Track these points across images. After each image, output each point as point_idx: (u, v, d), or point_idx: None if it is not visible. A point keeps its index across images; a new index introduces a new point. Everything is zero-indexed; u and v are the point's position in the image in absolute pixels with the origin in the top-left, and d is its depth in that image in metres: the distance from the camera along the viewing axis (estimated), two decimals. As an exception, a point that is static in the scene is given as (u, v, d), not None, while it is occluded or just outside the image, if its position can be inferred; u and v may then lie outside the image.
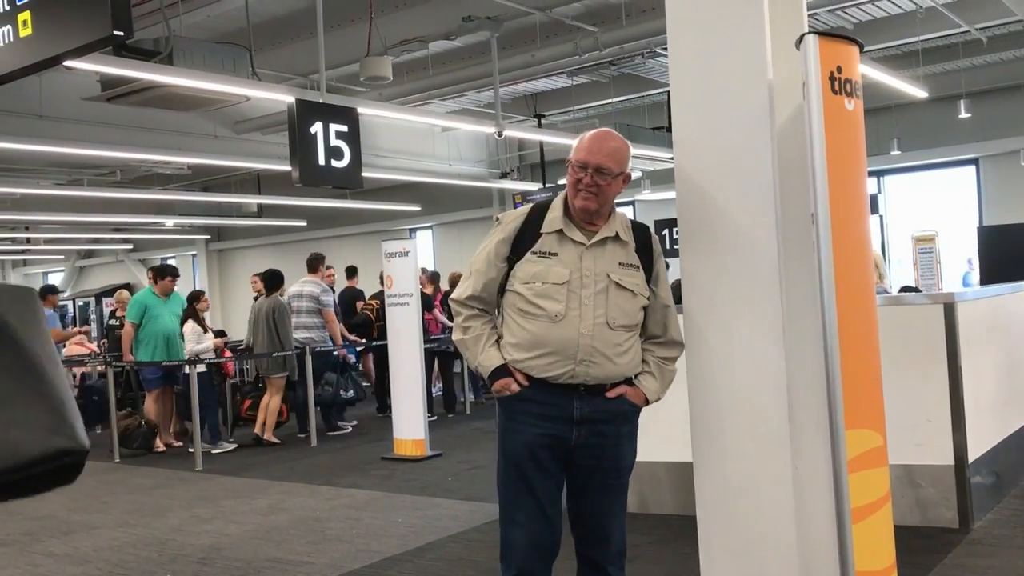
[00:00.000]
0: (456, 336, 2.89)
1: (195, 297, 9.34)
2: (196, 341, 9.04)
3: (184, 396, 9.08)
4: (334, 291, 10.84)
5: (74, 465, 2.04)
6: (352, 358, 10.29)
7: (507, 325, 2.81)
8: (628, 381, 2.77)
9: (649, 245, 2.85)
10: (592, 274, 2.71)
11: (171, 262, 23.02)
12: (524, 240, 2.77)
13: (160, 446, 9.20)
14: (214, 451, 8.92)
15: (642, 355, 2.83)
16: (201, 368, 8.74)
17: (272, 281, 9.35)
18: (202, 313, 9.28)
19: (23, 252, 24.35)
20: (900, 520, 4.63)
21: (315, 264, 9.97)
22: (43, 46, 3.84)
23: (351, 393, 9.81)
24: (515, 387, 2.74)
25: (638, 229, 2.87)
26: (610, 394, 2.73)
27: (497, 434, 2.87)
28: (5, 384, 1.99)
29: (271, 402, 9.37)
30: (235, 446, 9.23)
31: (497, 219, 2.90)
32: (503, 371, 2.77)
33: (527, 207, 2.90)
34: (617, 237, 2.78)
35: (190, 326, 9.08)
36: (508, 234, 2.80)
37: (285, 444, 9.29)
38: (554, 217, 2.78)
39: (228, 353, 10.04)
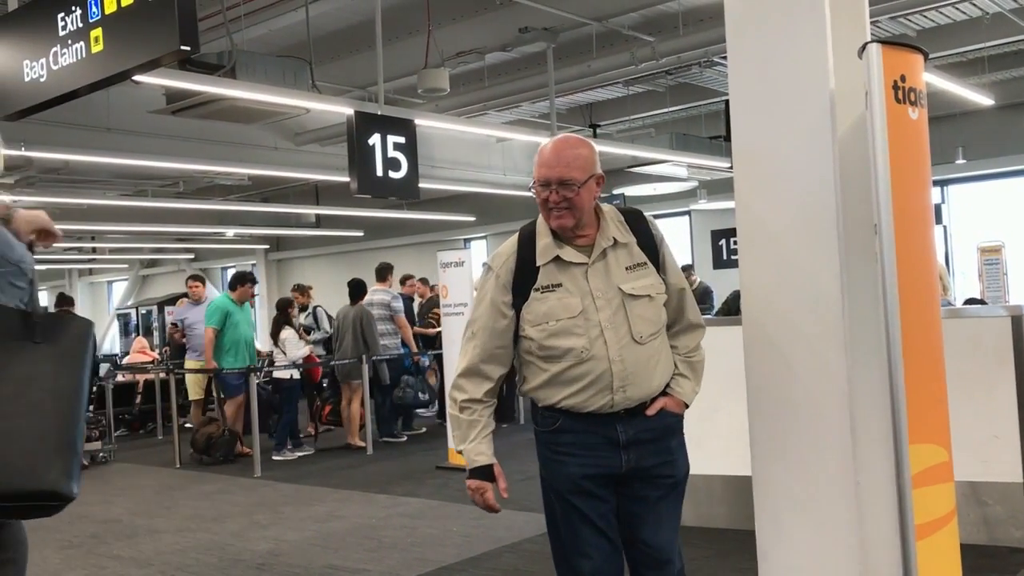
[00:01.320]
0: (451, 410, 2.68)
1: (288, 303, 9.71)
2: (296, 347, 9.36)
3: (270, 403, 9.48)
4: (413, 300, 11.33)
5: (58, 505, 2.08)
6: (426, 362, 10.42)
7: (530, 368, 2.63)
8: (663, 392, 2.63)
9: (650, 235, 2.65)
10: (604, 294, 2.54)
11: (231, 271, 23.54)
12: (523, 279, 2.58)
13: (245, 451, 9.24)
14: (279, 458, 9.11)
15: None
16: (295, 374, 9.27)
17: (358, 290, 9.71)
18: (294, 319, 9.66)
19: (89, 261, 25.01)
20: (966, 538, 4.52)
21: (384, 273, 10.20)
22: (114, 61, 3.97)
23: (426, 396, 10.01)
24: (491, 498, 2.60)
25: (632, 220, 2.66)
26: (650, 411, 2.59)
27: (539, 469, 2.70)
28: (33, 419, 2.05)
29: (353, 407, 9.65)
30: (311, 451, 9.44)
31: (485, 265, 2.69)
32: (487, 473, 2.60)
33: (512, 241, 2.66)
34: (616, 242, 2.59)
35: (288, 332, 9.40)
36: (505, 281, 2.60)
37: (347, 451, 9.42)
38: (545, 244, 2.59)
39: (316, 359, 10.28)
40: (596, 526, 2.59)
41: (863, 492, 2.73)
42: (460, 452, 2.66)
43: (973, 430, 4.63)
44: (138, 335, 17.48)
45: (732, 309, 3.09)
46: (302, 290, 11.14)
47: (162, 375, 11.04)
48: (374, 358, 9.40)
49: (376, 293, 10.04)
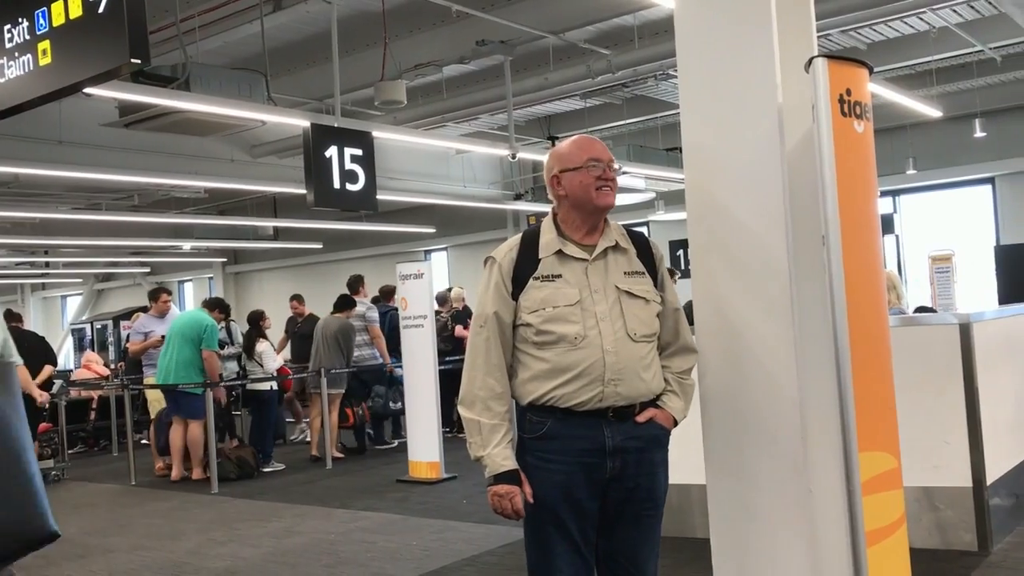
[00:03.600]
0: (469, 413, 2.60)
1: (260, 317, 9.77)
2: (272, 359, 9.46)
3: (255, 417, 9.51)
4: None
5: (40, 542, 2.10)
6: (400, 371, 10.45)
7: (521, 360, 2.63)
8: (653, 404, 2.65)
9: (649, 249, 2.74)
10: (602, 289, 2.60)
11: (188, 285, 23.25)
12: (523, 270, 2.63)
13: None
14: (267, 470, 9.14)
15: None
16: (274, 385, 9.36)
17: (344, 303, 9.90)
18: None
19: (42, 276, 24.57)
20: (918, 543, 4.60)
21: (355, 285, 10.23)
22: (62, 74, 3.90)
23: (399, 404, 10.00)
24: (519, 502, 2.52)
25: (634, 236, 2.76)
26: (640, 418, 2.60)
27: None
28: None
29: (332, 417, 9.66)
30: (283, 467, 9.37)
31: (489, 258, 2.71)
32: (513, 477, 2.54)
33: (516, 237, 2.74)
34: (617, 246, 2.68)
35: (264, 345, 9.45)
36: (507, 269, 2.64)
37: (308, 465, 9.34)
38: (549, 239, 2.66)
39: (289, 371, 10.30)
40: (572, 540, 2.58)
41: (814, 500, 2.77)
42: (479, 459, 2.57)
43: (924, 436, 4.72)
44: (89, 350, 17.15)
45: (688, 318, 3.14)
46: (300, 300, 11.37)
47: (117, 392, 10.85)
48: (355, 367, 9.63)
49: (361, 306, 10.09)
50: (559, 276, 2.62)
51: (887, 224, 12.35)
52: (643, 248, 2.74)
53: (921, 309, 7.78)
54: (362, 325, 9.95)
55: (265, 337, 9.70)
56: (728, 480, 2.93)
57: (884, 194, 13.04)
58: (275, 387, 9.62)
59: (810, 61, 2.71)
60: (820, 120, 2.66)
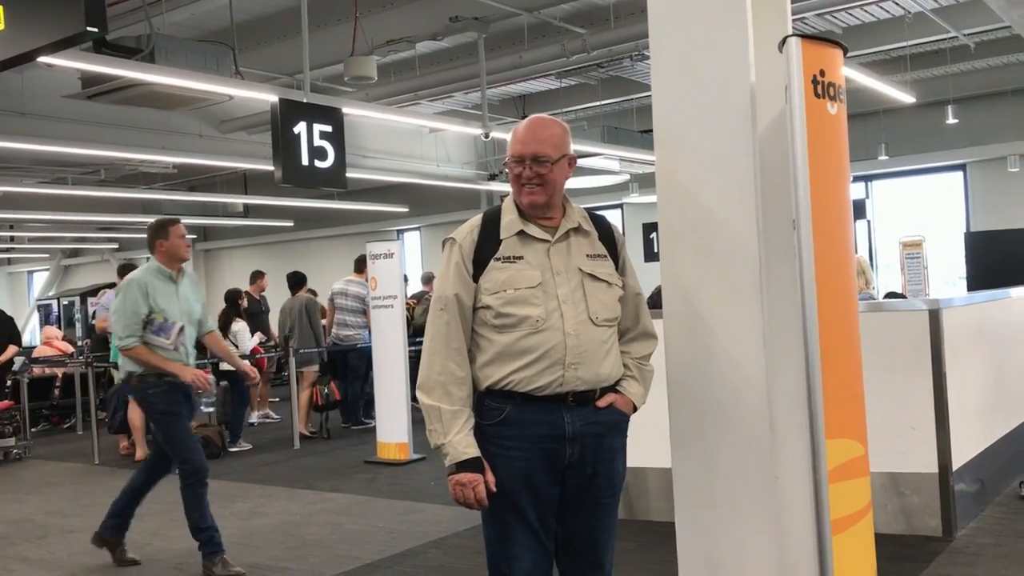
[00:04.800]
0: (428, 399, 2.51)
1: (237, 295, 9.72)
2: (247, 339, 9.44)
3: (233, 395, 9.47)
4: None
5: None
6: None
7: (479, 344, 2.56)
8: (612, 389, 2.61)
9: (611, 233, 2.68)
10: (564, 270, 2.54)
11: (157, 262, 22.95)
12: (484, 250, 2.55)
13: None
14: (234, 449, 9.08)
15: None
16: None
17: (297, 282, 9.96)
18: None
19: (7, 251, 24.17)
20: (885, 528, 4.61)
21: (360, 265, 9.94)
22: (17, 42, 3.77)
23: None
24: (482, 491, 2.45)
25: (596, 219, 2.69)
26: (600, 403, 2.56)
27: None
28: None
29: (302, 396, 9.66)
30: (251, 447, 9.28)
31: (448, 239, 2.65)
32: (476, 465, 2.47)
33: (477, 217, 2.66)
34: (580, 228, 2.61)
35: (240, 324, 9.40)
36: (467, 250, 2.56)
37: (276, 445, 9.25)
38: (511, 220, 2.59)
39: (261, 350, 10.24)
40: (531, 526, 2.54)
41: (781, 487, 2.74)
42: (439, 447, 2.51)
43: (892, 422, 4.72)
44: (49, 326, 16.87)
45: (657, 303, 3.10)
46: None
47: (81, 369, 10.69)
48: (345, 346, 9.61)
49: (351, 284, 9.95)
50: (521, 258, 2.55)
51: (859, 210, 12.41)
52: (605, 232, 2.68)
53: (891, 295, 7.81)
54: (360, 307, 9.81)
55: (241, 316, 9.61)
56: (694, 467, 2.89)
57: (856, 179, 13.09)
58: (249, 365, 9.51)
59: (784, 41, 2.66)
60: (793, 101, 2.61)
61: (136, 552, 5.46)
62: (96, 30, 3.42)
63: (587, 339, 2.51)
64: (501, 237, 2.57)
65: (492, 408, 2.55)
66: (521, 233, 2.57)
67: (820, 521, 2.59)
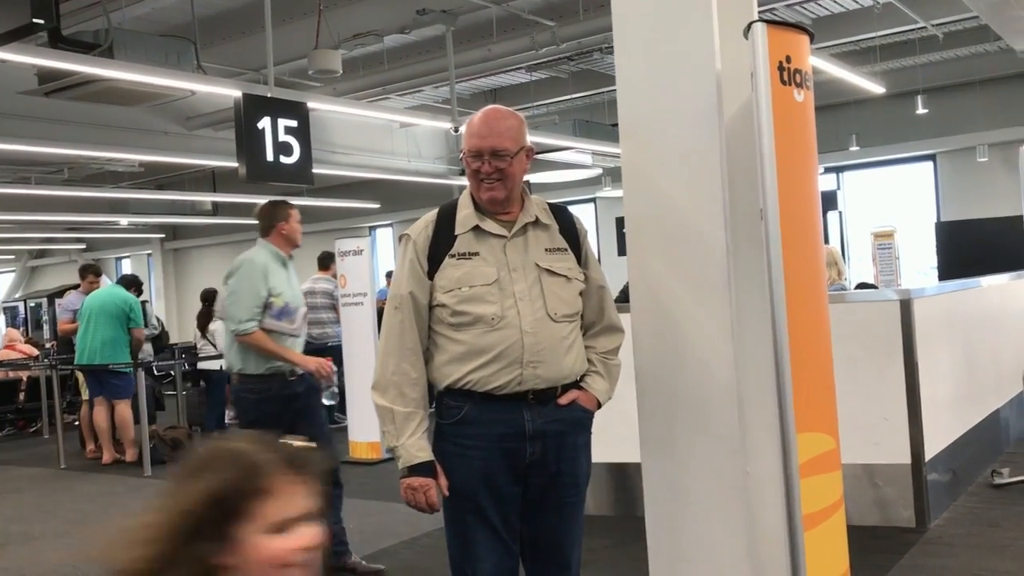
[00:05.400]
0: (381, 400, 2.45)
1: (213, 294, 9.64)
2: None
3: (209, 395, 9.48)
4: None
5: None
6: None
7: (436, 342, 2.50)
8: (576, 385, 2.54)
9: (572, 225, 2.60)
10: (520, 266, 2.46)
11: (126, 262, 22.68)
12: (439, 247, 2.48)
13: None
14: None
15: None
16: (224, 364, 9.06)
17: None
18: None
19: (-28, 252, 23.80)
20: (859, 520, 4.59)
21: (327, 262, 9.81)
22: (-39, 35, 3.65)
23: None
24: (433, 495, 2.41)
25: (558, 211, 2.62)
26: (562, 401, 2.49)
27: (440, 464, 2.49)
28: None
29: None
30: None
31: (404, 236, 2.58)
32: (428, 469, 2.43)
33: (433, 212, 2.58)
34: (538, 221, 2.53)
35: (218, 323, 9.32)
36: (422, 247, 2.50)
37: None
38: (466, 215, 2.51)
39: None
40: (493, 527, 2.47)
41: (751, 483, 2.69)
42: (392, 450, 2.45)
43: (864, 413, 4.69)
44: (11, 328, 16.63)
45: (622, 297, 3.06)
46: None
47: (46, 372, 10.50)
48: (327, 344, 9.31)
49: (318, 282, 9.79)
50: (476, 254, 2.47)
51: (830, 201, 12.44)
52: (566, 224, 2.60)
53: (862, 286, 7.81)
54: (329, 303, 9.66)
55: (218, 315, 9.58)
56: (663, 462, 2.83)
57: (827, 171, 13.11)
58: (224, 366, 9.43)
59: (749, 26, 2.60)
60: (759, 88, 2.55)
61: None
62: (42, 22, 3.32)
63: (546, 336, 2.44)
64: (456, 233, 2.49)
65: (450, 407, 2.49)
66: (477, 228, 2.50)
67: (792, 517, 2.53)
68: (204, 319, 9.43)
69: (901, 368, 4.79)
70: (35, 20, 3.29)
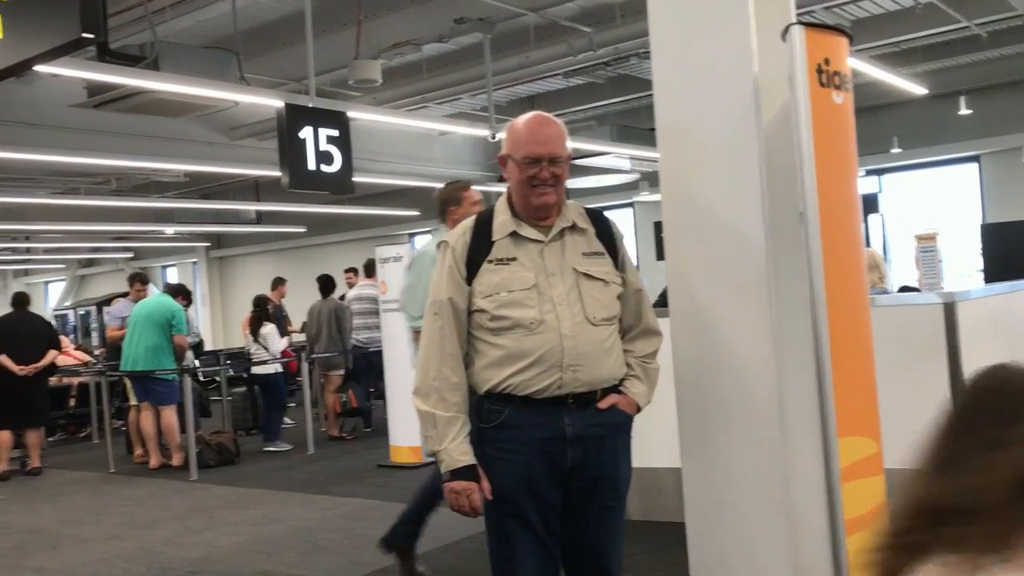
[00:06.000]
0: (423, 405, 2.48)
1: (265, 300, 9.98)
2: (277, 341, 9.64)
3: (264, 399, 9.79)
4: None
5: None
6: None
7: (476, 347, 2.51)
8: (615, 389, 2.54)
9: (609, 229, 2.61)
10: (558, 271, 2.47)
11: (172, 270, 23.05)
12: (477, 252, 2.51)
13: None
14: (271, 449, 9.29)
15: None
16: (279, 367, 9.51)
17: (327, 285, 10.18)
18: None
19: (24, 262, 24.31)
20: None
21: (373, 269, 9.98)
22: (15, 51, 3.76)
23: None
24: (476, 499, 2.42)
25: (594, 215, 2.62)
26: (602, 405, 2.49)
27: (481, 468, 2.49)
28: None
29: (328, 398, 9.92)
30: (290, 447, 9.34)
31: (442, 243, 2.60)
32: (471, 473, 2.43)
33: (470, 219, 2.61)
34: (575, 226, 2.54)
35: (269, 327, 9.58)
36: (460, 253, 2.52)
37: (289, 451, 9.24)
38: (503, 220, 2.53)
39: (291, 353, 10.37)
40: (534, 531, 2.48)
41: (792, 487, 2.68)
42: (435, 454, 2.47)
43: (908, 418, 4.62)
44: (63, 335, 16.96)
45: (667, 301, 3.07)
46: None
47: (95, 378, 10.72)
48: (370, 350, 9.66)
49: (365, 288, 10.04)
50: (514, 259, 2.49)
51: (871, 204, 12.29)
52: (603, 228, 2.61)
53: (905, 289, 7.71)
54: (374, 307, 9.84)
55: (270, 320, 9.78)
56: (703, 467, 2.84)
57: (868, 173, 12.95)
58: (279, 369, 9.66)
59: (787, 29, 2.60)
60: (797, 91, 2.55)
61: (149, 561, 5.45)
62: (92, 36, 3.41)
63: (585, 340, 2.45)
64: (493, 239, 2.52)
65: (491, 411, 2.50)
66: (514, 234, 2.52)
67: (834, 521, 2.53)
68: (256, 324, 9.59)
69: (945, 372, 4.72)
70: (85, 35, 3.37)
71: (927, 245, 10.44)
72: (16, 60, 3.70)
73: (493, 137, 9.67)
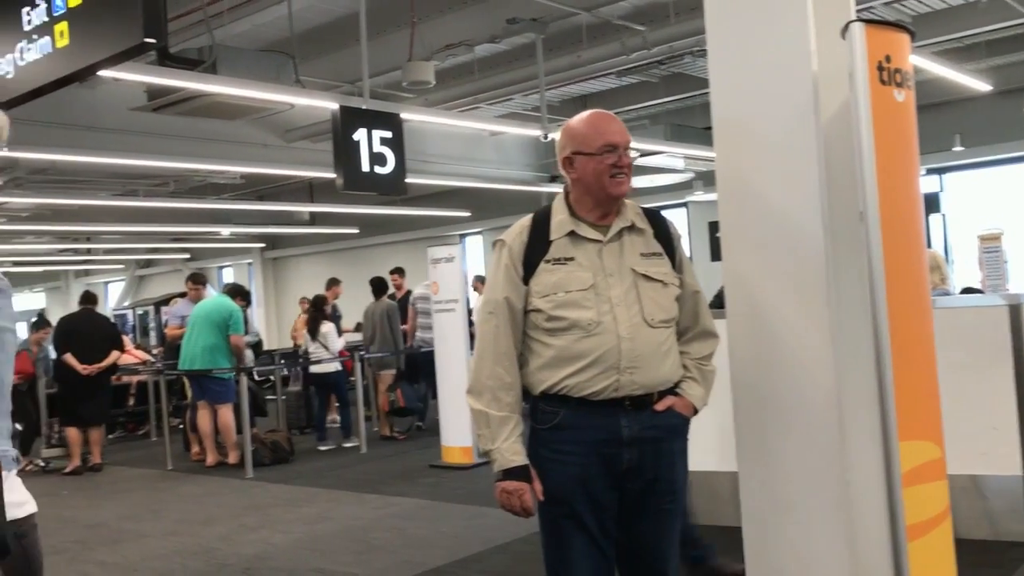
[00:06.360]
0: (477, 404, 2.47)
1: (323, 300, 10.16)
2: (336, 340, 9.84)
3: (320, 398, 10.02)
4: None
5: None
6: None
7: (531, 347, 2.50)
8: (671, 391, 2.52)
9: (667, 230, 2.59)
10: (616, 271, 2.45)
11: (227, 271, 23.44)
12: (535, 252, 2.48)
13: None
14: (346, 444, 9.50)
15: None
16: (338, 366, 9.73)
17: (380, 287, 10.36)
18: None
19: (84, 262, 24.92)
20: (966, 533, 4.41)
21: None
22: (79, 56, 3.85)
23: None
24: (528, 499, 2.40)
25: (651, 215, 2.60)
26: (659, 407, 2.47)
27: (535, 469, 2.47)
28: None
29: (381, 398, 10.04)
30: (356, 443, 9.45)
31: (498, 241, 2.58)
32: (523, 473, 2.43)
33: (527, 218, 2.58)
34: (633, 226, 2.52)
35: (328, 326, 9.76)
36: (517, 252, 2.50)
37: (342, 450, 9.33)
38: (561, 220, 2.50)
39: (346, 352, 10.55)
40: (589, 533, 2.46)
41: (852, 492, 2.62)
42: (487, 453, 2.47)
43: (971, 422, 4.52)
44: (123, 334, 17.35)
45: (723, 302, 3.02)
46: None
47: (153, 377, 10.96)
48: (423, 350, 9.79)
49: (422, 288, 10.14)
50: (571, 259, 2.47)
51: (932, 203, 12.01)
52: (660, 228, 2.58)
53: (967, 291, 7.53)
54: (427, 308, 9.93)
55: (328, 319, 9.91)
56: (760, 470, 2.79)
57: (930, 172, 12.66)
58: (339, 367, 9.81)
59: (846, 26, 2.55)
60: (857, 89, 2.50)
61: (206, 557, 5.54)
62: (155, 41, 3.46)
63: (643, 342, 2.42)
64: (551, 238, 2.50)
65: (546, 412, 2.48)
66: (572, 234, 2.50)
67: (895, 526, 2.47)
68: (314, 323, 9.72)
69: (1011, 375, 4.60)
70: (147, 40, 3.43)
71: (991, 246, 10.17)
72: (81, 65, 3.78)
73: (545, 137, 9.67)
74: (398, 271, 11.56)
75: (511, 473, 2.42)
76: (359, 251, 19.50)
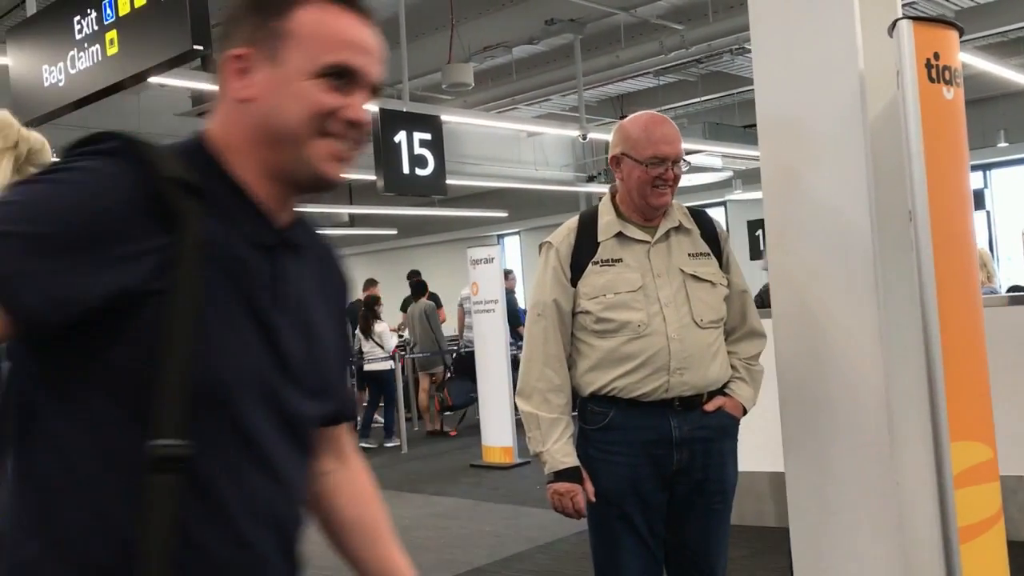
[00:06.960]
0: (527, 406, 2.48)
1: (376, 301, 10.34)
2: (390, 339, 10.01)
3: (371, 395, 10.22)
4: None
5: None
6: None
7: (579, 349, 2.50)
8: (720, 391, 2.52)
9: (713, 229, 2.59)
10: (665, 272, 2.45)
11: (268, 272, 23.71)
12: (582, 254, 2.49)
13: None
14: (387, 444, 9.61)
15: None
16: (392, 365, 9.83)
17: (419, 288, 10.59)
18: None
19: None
20: (1018, 535, 4.35)
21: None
22: (129, 63, 3.94)
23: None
24: (580, 501, 2.41)
25: (698, 215, 2.61)
26: (708, 407, 2.47)
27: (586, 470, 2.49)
28: None
29: (422, 396, 10.29)
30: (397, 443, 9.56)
31: (545, 243, 2.59)
32: (574, 475, 2.43)
33: (574, 220, 2.59)
34: (680, 226, 2.53)
35: (382, 325, 9.96)
36: (564, 254, 2.51)
37: (382, 448, 9.40)
38: (608, 221, 2.51)
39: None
40: (638, 533, 2.47)
41: (902, 493, 2.60)
42: (538, 454, 2.48)
43: (1022, 423, 4.45)
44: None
45: (765, 301, 2.99)
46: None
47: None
48: (465, 350, 10.02)
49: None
50: (620, 260, 2.47)
51: (978, 200, 11.81)
52: (707, 228, 2.59)
53: (1014, 289, 7.41)
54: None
55: (380, 318, 10.08)
56: (808, 471, 2.77)
57: (974, 168, 12.47)
58: (392, 365, 9.93)
59: (894, 24, 2.53)
60: (906, 87, 2.48)
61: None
62: (202, 48, 3.54)
63: (692, 343, 2.42)
64: (599, 239, 2.51)
65: (595, 412, 2.49)
66: (620, 235, 2.50)
67: (946, 529, 2.44)
68: (366, 322, 9.84)
69: (1062, 375, 4.52)
70: (195, 47, 3.51)
71: (1038, 243, 9.98)
72: (131, 72, 3.88)
73: (584, 137, 9.67)
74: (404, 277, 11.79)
75: (563, 475, 2.44)
76: (397, 252, 19.63)
